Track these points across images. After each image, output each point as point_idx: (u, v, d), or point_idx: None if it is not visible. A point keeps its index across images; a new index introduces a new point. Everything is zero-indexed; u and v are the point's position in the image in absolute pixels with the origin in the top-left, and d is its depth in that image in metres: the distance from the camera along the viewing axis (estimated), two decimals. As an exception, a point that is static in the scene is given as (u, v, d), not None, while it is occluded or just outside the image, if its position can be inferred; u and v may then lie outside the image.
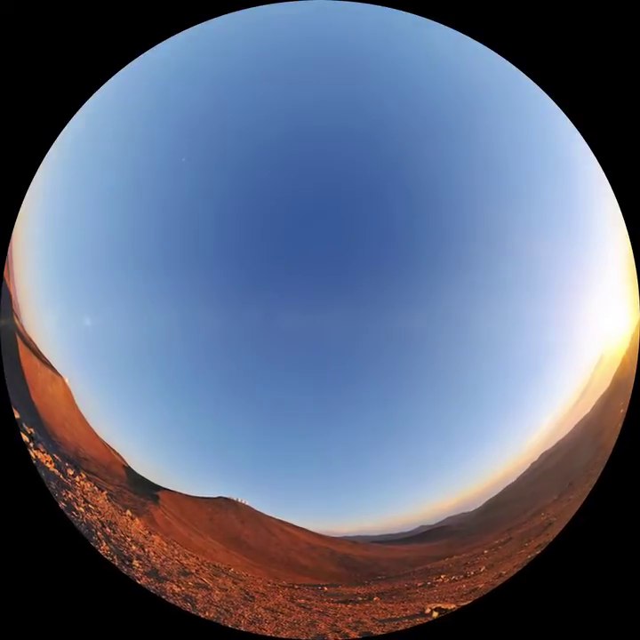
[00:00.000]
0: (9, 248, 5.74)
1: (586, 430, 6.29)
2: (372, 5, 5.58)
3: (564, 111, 5.00)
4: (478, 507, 6.58)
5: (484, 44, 5.13)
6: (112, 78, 5.40)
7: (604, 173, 4.71)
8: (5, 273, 5.98)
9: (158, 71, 6.01)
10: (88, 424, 6.18)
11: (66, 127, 5.36)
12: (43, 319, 6.24)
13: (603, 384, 6.21)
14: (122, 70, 5.40)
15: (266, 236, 6.51)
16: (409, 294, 6.53)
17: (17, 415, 5.25)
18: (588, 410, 6.34)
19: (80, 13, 4.65)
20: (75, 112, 5.36)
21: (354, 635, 4.95)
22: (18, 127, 4.57)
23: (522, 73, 5.17)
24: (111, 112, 6.07)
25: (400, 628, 4.97)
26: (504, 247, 6.41)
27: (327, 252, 6.65)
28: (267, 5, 5.50)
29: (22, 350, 6.04)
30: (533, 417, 6.59)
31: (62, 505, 5.00)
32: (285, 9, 5.76)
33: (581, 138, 5.01)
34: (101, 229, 6.38)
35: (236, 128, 6.32)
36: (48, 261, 6.32)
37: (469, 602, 4.78)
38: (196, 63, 6.20)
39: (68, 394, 6.14)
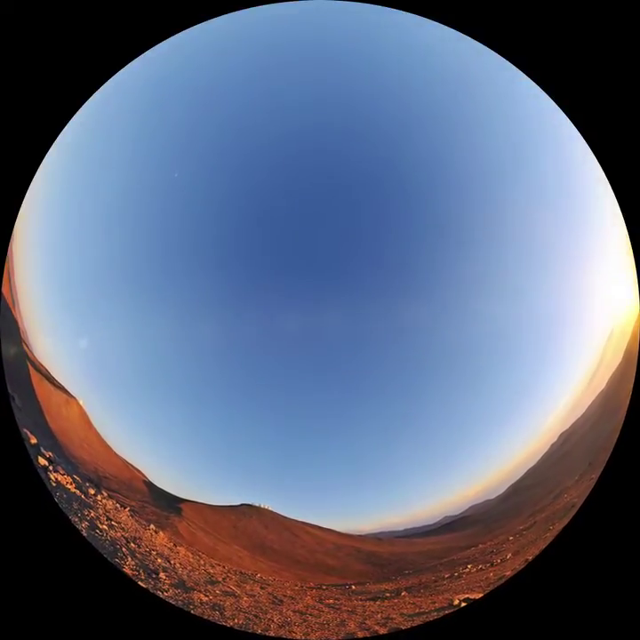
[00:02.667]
0: (10, 264, 5.84)
1: (602, 407, 6.18)
2: (371, 5, 5.56)
3: (564, 111, 4.96)
4: (501, 493, 6.52)
5: (484, 44, 5.11)
6: (112, 78, 5.43)
7: (601, 168, 4.66)
8: (8, 298, 6.10)
9: (158, 71, 6.05)
10: (106, 443, 6.28)
11: (66, 127, 5.39)
12: (51, 343, 6.37)
13: (615, 358, 6.09)
14: (122, 70, 5.43)
15: (266, 239, 6.53)
16: (413, 288, 6.52)
17: (34, 441, 5.37)
18: (603, 386, 6.23)
19: (80, 13, 4.66)
20: (75, 112, 5.40)
21: (383, 631, 4.93)
22: (18, 127, 4.58)
23: (522, 73, 5.14)
24: (111, 112, 6.13)
25: (429, 620, 4.94)
26: (503, 232, 6.35)
27: (327, 252, 6.66)
28: (266, 5, 5.50)
29: (34, 377, 6.16)
30: (549, 398, 6.50)
31: (85, 524, 5.08)
32: (285, 9, 5.76)
33: (581, 137, 4.97)
34: (101, 240, 6.41)
35: (235, 128, 6.34)
36: (52, 287, 6.43)
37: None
38: (196, 63, 6.24)
39: (83, 415, 6.25)
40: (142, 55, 5.41)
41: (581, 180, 5.96)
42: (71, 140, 5.84)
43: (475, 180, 6.38)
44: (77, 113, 5.43)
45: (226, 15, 5.34)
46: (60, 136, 5.36)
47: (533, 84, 5.10)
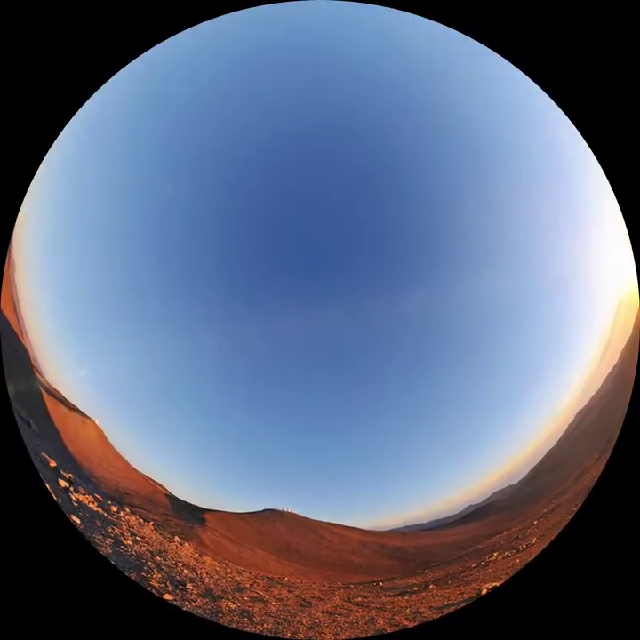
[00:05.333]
0: (15, 292, 5.94)
1: (617, 382, 6.06)
2: (371, 5, 5.56)
3: (564, 111, 4.94)
4: (523, 477, 6.45)
5: (484, 44, 5.09)
6: (112, 78, 5.45)
7: (600, 165, 4.63)
8: (16, 327, 6.24)
9: (158, 71, 6.12)
10: (124, 460, 6.38)
11: (66, 127, 5.42)
12: (62, 367, 6.49)
13: (625, 331, 5.98)
14: (122, 70, 5.45)
15: (267, 242, 6.55)
16: (417, 279, 6.48)
17: (53, 464, 5.49)
18: (616, 360, 6.12)
19: (80, 13, 4.67)
20: (75, 112, 5.42)
21: (412, 625, 4.90)
22: (18, 127, 4.57)
23: (521, 72, 5.12)
24: (111, 112, 6.19)
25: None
26: (500, 214, 6.29)
27: (329, 250, 6.65)
28: (266, 5, 5.51)
29: (49, 401, 6.29)
30: (563, 376, 6.41)
31: (109, 541, 5.17)
32: (285, 9, 5.78)
33: (581, 137, 4.93)
34: (101, 255, 6.45)
35: (231, 129, 6.36)
36: (58, 310, 6.53)
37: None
38: (195, 64, 6.30)
39: (100, 435, 6.36)
40: (142, 55, 5.42)
41: (572, 159, 5.89)
42: (71, 141, 5.91)
43: (468, 167, 6.34)
44: (77, 113, 5.46)
45: (225, 15, 5.35)
46: (59, 136, 5.40)
47: (532, 82, 5.08)
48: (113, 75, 5.44)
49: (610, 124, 4.38)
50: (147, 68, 5.92)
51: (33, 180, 5.10)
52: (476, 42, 5.05)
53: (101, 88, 5.46)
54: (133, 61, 5.43)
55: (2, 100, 4.49)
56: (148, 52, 5.41)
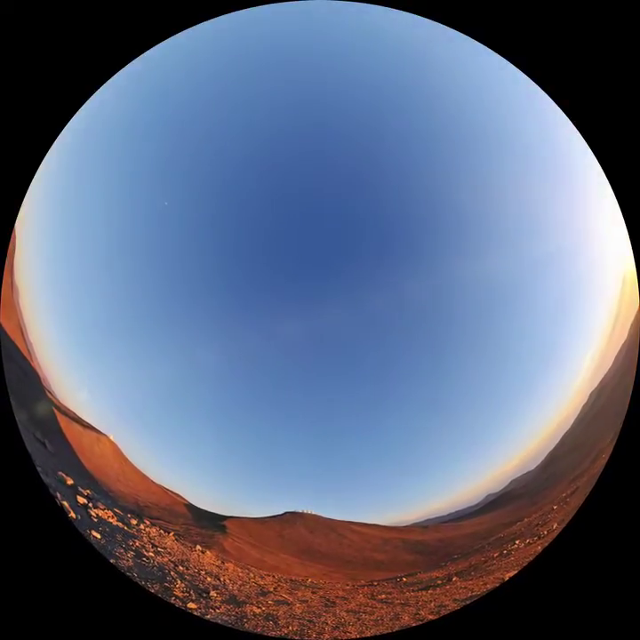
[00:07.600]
0: (21, 319, 6.06)
1: (626, 360, 5.95)
2: (371, 5, 5.58)
3: (564, 111, 4.92)
4: (539, 463, 6.39)
5: (484, 44, 5.10)
6: (112, 78, 5.50)
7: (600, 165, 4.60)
8: (25, 352, 6.36)
9: (158, 71, 6.21)
10: (141, 473, 6.45)
11: (66, 127, 5.46)
12: (73, 387, 6.59)
13: (632, 306, 5.87)
14: (122, 70, 5.50)
15: (269, 241, 6.58)
16: (418, 272, 6.46)
17: (70, 482, 5.56)
18: (625, 337, 6.01)
19: (80, 13, 4.72)
20: (75, 112, 5.46)
21: (436, 618, 4.87)
22: (18, 127, 4.61)
23: (521, 72, 5.11)
24: (111, 112, 6.27)
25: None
26: (497, 203, 6.24)
27: (330, 249, 6.66)
28: (266, 5, 5.55)
29: (62, 421, 6.38)
30: (573, 358, 6.33)
31: (131, 554, 5.23)
32: (285, 9, 5.85)
33: (580, 136, 4.90)
34: (104, 274, 6.53)
35: (234, 128, 6.42)
36: (63, 329, 6.62)
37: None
38: (195, 63, 6.37)
39: (115, 450, 6.44)
40: (142, 55, 5.47)
41: (569, 152, 5.83)
42: (71, 141, 6.01)
43: (464, 158, 6.31)
44: (77, 113, 5.50)
45: (225, 15, 5.37)
46: (59, 136, 5.42)
47: (532, 82, 5.06)
48: (113, 75, 5.50)
49: (610, 124, 4.33)
50: (146, 68, 5.97)
51: (33, 180, 5.16)
52: (476, 42, 5.05)
53: (101, 88, 5.52)
54: (133, 61, 5.48)
55: (2, 100, 4.52)
56: (147, 51, 5.46)
